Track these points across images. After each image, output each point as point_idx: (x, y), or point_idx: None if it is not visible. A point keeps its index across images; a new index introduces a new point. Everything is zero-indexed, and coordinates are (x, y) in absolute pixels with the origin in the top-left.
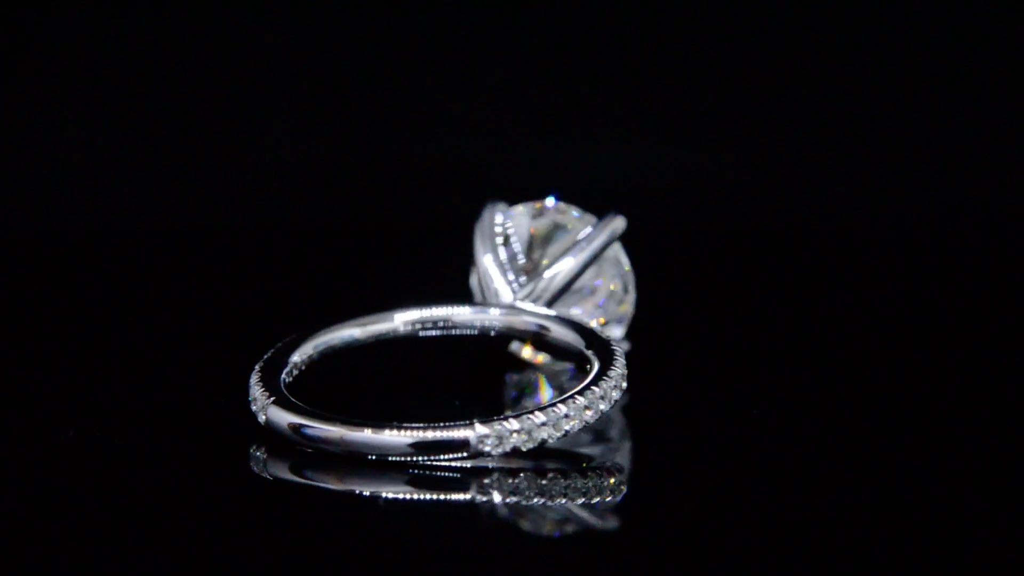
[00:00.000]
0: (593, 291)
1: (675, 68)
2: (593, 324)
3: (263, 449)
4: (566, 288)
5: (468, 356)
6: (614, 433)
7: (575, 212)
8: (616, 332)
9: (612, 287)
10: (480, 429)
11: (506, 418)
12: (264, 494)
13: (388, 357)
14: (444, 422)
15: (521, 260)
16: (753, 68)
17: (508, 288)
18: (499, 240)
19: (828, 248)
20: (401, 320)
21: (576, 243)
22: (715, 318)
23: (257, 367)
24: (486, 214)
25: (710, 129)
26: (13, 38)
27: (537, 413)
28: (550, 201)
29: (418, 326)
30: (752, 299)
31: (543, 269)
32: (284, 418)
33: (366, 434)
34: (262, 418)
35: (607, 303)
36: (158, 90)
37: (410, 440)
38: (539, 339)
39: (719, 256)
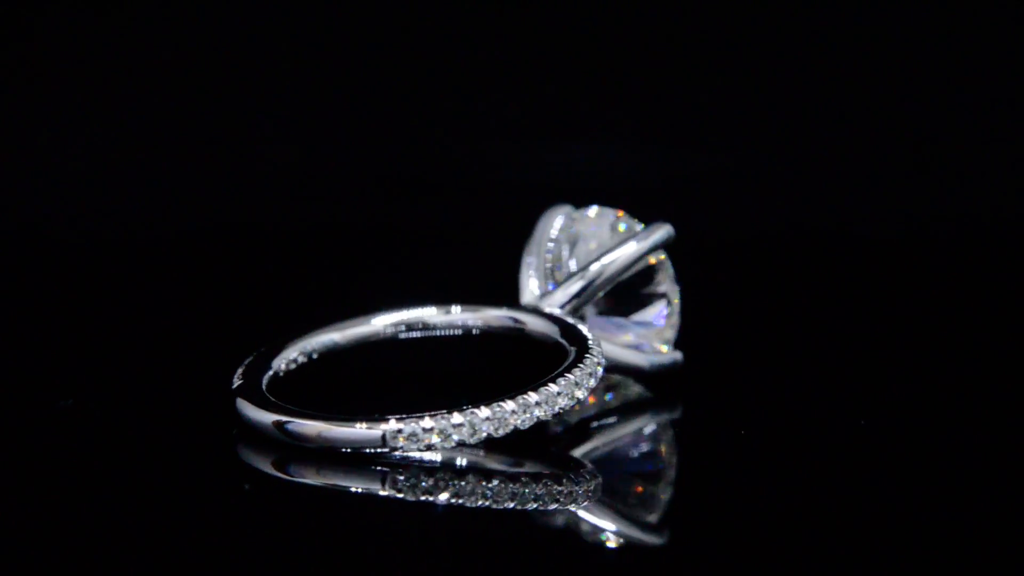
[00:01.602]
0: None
1: (683, 68)
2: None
3: (235, 432)
4: (616, 277)
5: (465, 356)
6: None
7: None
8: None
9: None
10: (393, 425)
11: (421, 416)
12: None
13: (375, 358)
14: (364, 416)
15: (569, 261)
16: (760, 69)
17: (536, 287)
18: (551, 238)
19: (834, 250)
20: (380, 323)
21: (628, 238)
22: (736, 321)
23: (240, 370)
24: (544, 216)
25: (717, 130)
26: (7, 42)
27: (454, 414)
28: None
29: (398, 328)
30: (765, 301)
31: (594, 261)
32: (245, 409)
33: (287, 420)
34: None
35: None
36: (148, 93)
37: (323, 432)
38: (520, 334)
39: (730, 258)
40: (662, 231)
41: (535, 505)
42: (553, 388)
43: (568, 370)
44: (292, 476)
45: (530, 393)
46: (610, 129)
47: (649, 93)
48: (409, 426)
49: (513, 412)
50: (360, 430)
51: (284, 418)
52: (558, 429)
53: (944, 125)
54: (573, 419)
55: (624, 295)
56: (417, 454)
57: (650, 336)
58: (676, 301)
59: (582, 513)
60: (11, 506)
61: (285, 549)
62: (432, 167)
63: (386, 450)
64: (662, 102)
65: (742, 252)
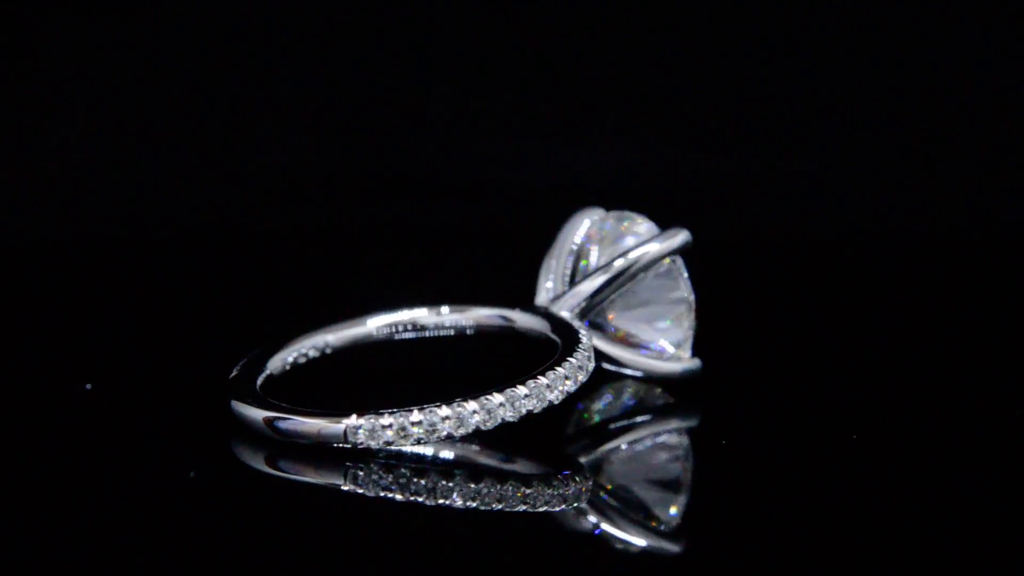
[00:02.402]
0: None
1: (683, 67)
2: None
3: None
4: (625, 281)
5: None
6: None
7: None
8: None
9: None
10: (353, 420)
11: (380, 413)
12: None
13: (369, 359)
14: (328, 410)
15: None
16: (770, 69)
17: (550, 289)
18: (575, 242)
19: (848, 253)
20: (374, 325)
21: (644, 242)
22: (750, 325)
23: (234, 371)
24: (572, 218)
25: (727, 131)
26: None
27: (413, 411)
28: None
29: (391, 329)
30: (780, 304)
31: (607, 264)
32: (234, 406)
33: (269, 416)
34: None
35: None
36: (146, 96)
37: (290, 425)
38: (511, 332)
39: (740, 261)
40: (679, 237)
41: (500, 506)
42: (521, 391)
43: (543, 372)
44: (281, 472)
45: (494, 394)
46: (613, 129)
47: (656, 93)
48: (368, 422)
49: (474, 412)
50: (324, 425)
51: (270, 413)
52: (570, 431)
53: (963, 124)
54: (593, 422)
55: (643, 302)
56: (409, 448)
57: (670, 343)
58: (693, 307)
59: (563, 517)
60: (10, 496)
61: (253, 542)
62: (434, 168)
63: (348, 445)
64: (669, 102)
65: (749, 255)
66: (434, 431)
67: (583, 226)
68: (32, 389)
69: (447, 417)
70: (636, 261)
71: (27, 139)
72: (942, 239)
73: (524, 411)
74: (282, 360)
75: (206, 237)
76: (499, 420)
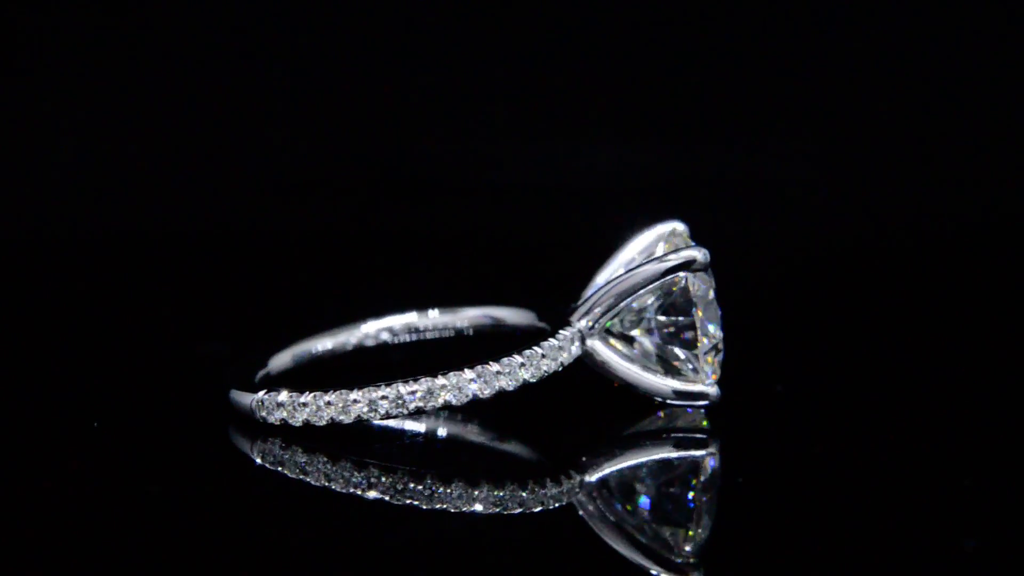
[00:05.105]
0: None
1: (684, 67)
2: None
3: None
4: (626, 294)
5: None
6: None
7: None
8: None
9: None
10: (259, 395)
11: (279, 391)
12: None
13: (363, 362)
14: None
15: None
16: (764, 68)
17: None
18: (632, 258)
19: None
20: (367, 329)
21: (654, 258)
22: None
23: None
24: (642, 232)
25: (723, 130)
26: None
27: (305, 393)
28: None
29: (388, 334)
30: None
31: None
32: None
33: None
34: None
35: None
36: (145, 96)
37: (232, 396)
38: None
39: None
40: (689, 255)
41: (471, 508)
42: (425, 384)
43: (492, 361)
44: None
45: (383, 387)
46: (613, 130)
47: (657, 93)
48: (269, 398)
49: (355, 401)
50: (239, 396)
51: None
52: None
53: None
54: (614, 434)
55: (663, 322)
56: (396, 423)
57: (692, 366)
58: (714, 331)
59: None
60: (9, 490)
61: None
62: (432, 169)
63: (257, 417)
64: (671, 102)
65: (752, 258)
66: (319, 414)
67: (643, 242)
68: (32, 386)
69: (330, 403)
70: (632, 276)
71: (27, 138)
72: (947, 241)
73: (418, 408)
74: (276, 363)
75: (204, 237)
76: (385, 412)
